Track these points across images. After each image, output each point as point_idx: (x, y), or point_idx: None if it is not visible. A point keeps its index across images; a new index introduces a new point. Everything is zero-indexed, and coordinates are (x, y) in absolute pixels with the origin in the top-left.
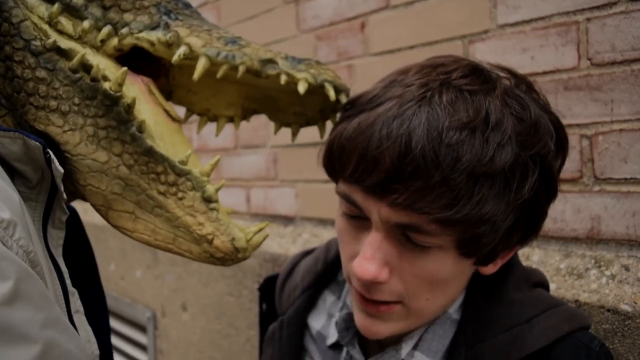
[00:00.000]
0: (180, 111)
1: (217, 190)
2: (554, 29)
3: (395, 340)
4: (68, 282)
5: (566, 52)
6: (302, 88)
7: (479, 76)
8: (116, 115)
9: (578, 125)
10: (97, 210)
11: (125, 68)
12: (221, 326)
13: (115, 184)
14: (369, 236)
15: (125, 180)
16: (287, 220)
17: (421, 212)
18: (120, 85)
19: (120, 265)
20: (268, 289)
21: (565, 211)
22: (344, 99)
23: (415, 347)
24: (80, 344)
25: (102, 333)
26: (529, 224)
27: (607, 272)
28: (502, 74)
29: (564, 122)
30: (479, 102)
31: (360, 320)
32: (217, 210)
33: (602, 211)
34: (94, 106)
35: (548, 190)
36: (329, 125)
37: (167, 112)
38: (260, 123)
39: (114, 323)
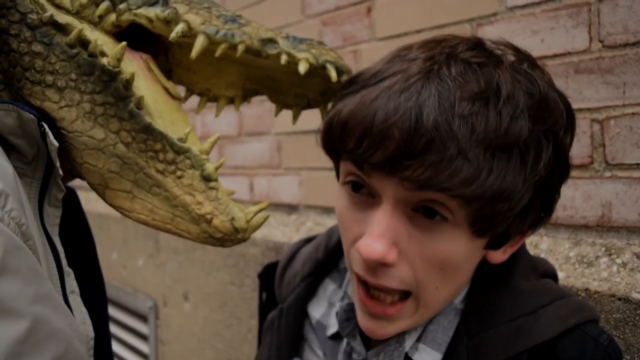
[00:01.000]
0: (180, 91)
1: (217, 168)
2: (565, 11)
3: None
4: (64, 261)
5: (577, 34)
6: (302, 68)
7: (484, 50)
8: (114, 91)
9: (589, 109)
10: (94, 189)
11: (124, 43)
12: (223, 316)
13: (112, 162)
14: (377, 212)
15: (123, 158)
16: (290, 208)
17: (440, 189)
18: (119, 60)
19: (122, 254)
20: (268, 276)
21: (575, 198)
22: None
23: (419, 339)
24: (73, 323)
25: (99, 315)
26: (542, 204)
27: (618, 260)
28: (507, 50)
29: (575, 106)
30: (489, 74)
31: (364, 322)
32: (217, 190)
33: (613, 197)
34: (91, 82)
35: (561, 169)
36: None
37: (166, 89)
38: (264, 110)
39: (115, 312)
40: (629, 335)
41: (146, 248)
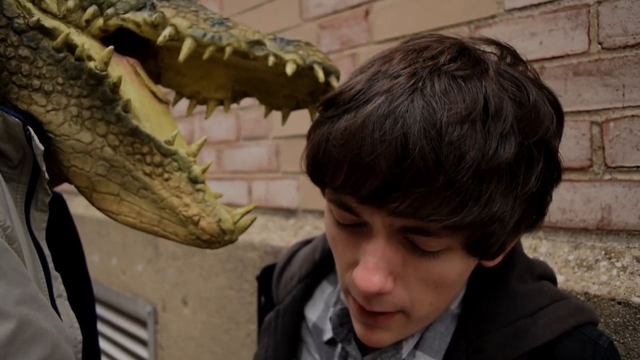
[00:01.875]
0: (170, 95)
1: (204, 170)
2: (564, 13)
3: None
4: (51, 265)
5: (576, 37)
6: (289, 69)
7: (468, 57)
8: (101, 95)
9: (588, 111)
10: (82, 193)
11: (111, 47)
12: (222, 320)
13: (99, 165)
14: (370, 244)
15: (110, 161)
16: (289, 212)
17: (427, 220)
18: (106, 64)
19: (122, 259)
20: (266, 279)
21: (575, 201)
22: (334, 82)
23: (416, 347)
24: (59, 325)
25: (87, 319)
26: (535, 213)
27: (618, 264)
28: (486, 48)
29: (574, 108)
30: (474, 88)
31: (360, 330)
32: (204, 192)
33: (613, 201)
34: (78, 86)
35: (552, 176)
36: None
37: (153, 93)
38: (262, 114)
39: (114, 318)
40: (629, 339)
41: (145, 253)
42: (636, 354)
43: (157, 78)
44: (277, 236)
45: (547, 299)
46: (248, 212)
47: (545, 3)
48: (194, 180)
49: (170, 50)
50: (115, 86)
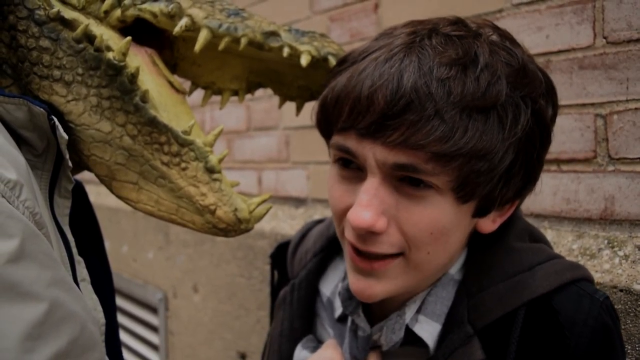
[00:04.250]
0: (185, 85)
1: (220, 160)
2: (570, 7)
3: (399, 306)
4: (74, 250)
5: (581, 31)
6: (304, 61)
7: (465, 25)
8: (119, 85)
9: (593, 104)
10: (101, 181)
11: (129, 37)
12: (232, 307)
13: (119, 154)
14: (364, 184)
15: (129, 150)
16: (298, 201)
17: (416, 147)
18: (124, 54)
19: (133, 247)
20: (280, 256)
21: (579, 191)
22: None
23: (418, 311)
24: (86, 306)
25: (107, 303)
26: (525, 170)
27: (621, 253)
28: (488, 29)
29: (579, 101)
30: (467, 44)
31: (354, 282)
32: (220, 181)
33: (616, 191)
34: (98, 76)
35: (542, 135)
36: None
37: (170, 83)
38: (272, 105)
39: (126, 304)
40: (630, 325)
41: (156, 241)
42: (637, 339)
43: (173, 68)
44: (286, 225)
45: (545, 256)
46: (264, 201)
47: None
48: (210, 170)
49: (187, 40)
50: (134, 76)
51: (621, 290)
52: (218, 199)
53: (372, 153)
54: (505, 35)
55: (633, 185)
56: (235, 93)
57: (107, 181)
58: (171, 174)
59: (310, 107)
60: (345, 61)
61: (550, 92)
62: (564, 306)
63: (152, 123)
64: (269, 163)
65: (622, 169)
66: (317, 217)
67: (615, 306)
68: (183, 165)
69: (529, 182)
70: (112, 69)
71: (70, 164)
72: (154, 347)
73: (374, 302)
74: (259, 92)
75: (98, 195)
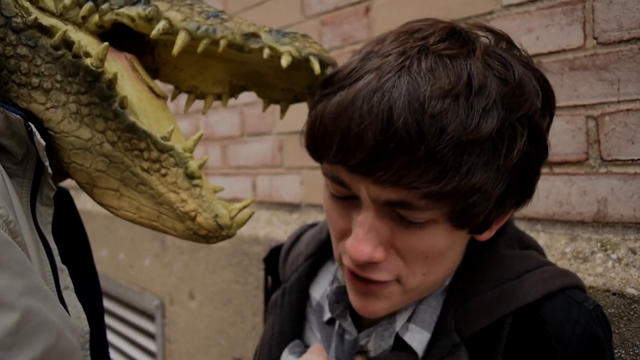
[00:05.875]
0: (167, 90)
1: (201, 166)
2: (560, 8)
3: (390, 313)
4: (57, 258)
5: (572, 32)
6: (284, 62)
7: (457, 38)
8: (98, 92)
9: (584, 105)
10: (83, 188)
11: (106, 43)
12: (228, 313)
13: (99, 161)
14: (360, 216)
15: (109, 157)
16: (292, 207)
17: (409, 188)
18: (102, 60)
19: (130, 254)
20: (273, 259)
21: (571, 194)
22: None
23: (409, 320)
24: (63, 315)
25: (95, 310)
26: (521, 188)
27: (614, 256)
28: (480, 33)
29: (570, 102)
30: (459, 66)
31: (355, 300)
32: (200, 187)
33: (609, 193)
34: (76, 83)
35: (538, 152)
36: None
37: (151, 88)
38: (266, 111)
39: (122, 311)
40: (624, 329)
41: (152, 248)
42: (630, 343)
43: (154, 73)
44: (281, 230)
45: (534, 264)
46: (246, 206)
47: None
48: (190, 176)
49: (167, 45)
50: (112, 82)
51: (614, 294)
52: (198, 205)
53: (364, 188)
54: (502, 38)
55: (626, 187)
56: (219, 97)
57: (89, 188)
58: (151, 180)
59: (299, 111)
60: (331, 83)
61: (547, 101)
62: (551, 315)
63: (132, 129)
64: (263, 168)
65: (614, 171)
66: (311, 222)
67: (608, 310)
68: (163, 171)
69: (526, 196)
70: (90, 75)
71: (50, 170)
72: (151, 354)
73: (377, 317)
74: (252, 98)
75: (94, 203)
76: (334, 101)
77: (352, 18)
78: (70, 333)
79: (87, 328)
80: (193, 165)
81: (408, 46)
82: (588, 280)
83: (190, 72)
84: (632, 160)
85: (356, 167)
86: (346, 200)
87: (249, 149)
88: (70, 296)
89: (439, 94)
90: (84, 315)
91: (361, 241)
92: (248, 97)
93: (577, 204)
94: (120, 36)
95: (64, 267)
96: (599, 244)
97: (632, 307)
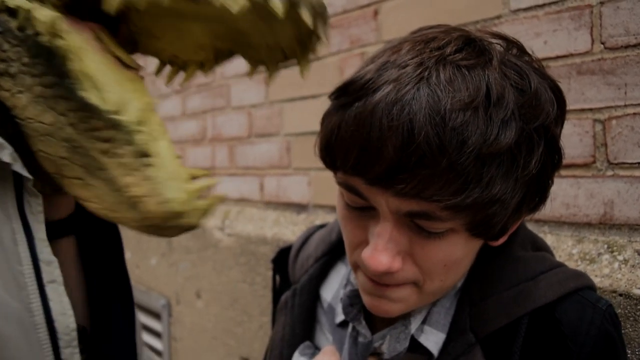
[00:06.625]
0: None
1: (160, 142)
2: (567, 13)
3: (404, 315)
4: (44, 250)
5: (579, 36)
6: (236, 7)
7: (473, 48)
8: (56, 68)
9: (591, 109)
10: (55, 180)
11: (56, 14)
12: (234, 313)
13: (62, 147)
14: (378, 227)
15: (71, 141)
16: (300, 207)
17: (431, 200)
18: (54, 34)
19: (136, 253)
20: (282, 260)
21: (578, 196)
22: (320, 26)
23: (424, 322)
24: (3, 298)
25: (127, 317)
26: (537, 195)
27: (620, 257)
28: (493, 40)
29: (577, 106)
30: (477, 77)
31: (368, 301)
32: (152, 166)
33: (615, 196)
34: (41, 63)
35: (553, 160)
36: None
37: (119, 59)
38: (274, 112)
39: None
40: (630, 330)
41: (159, 248)
42: (637, 343)
43: (134, 45)
44: (288, 231)
45: (548, 265)
46: (205, 188)
47: (549, 4)
48: (141, 154)
49: (140, 12)
50: (65, 58)
51: (621, 295)
52: (151, 188)
53: (384, 200)
54: (514, 44)
55: (632, 190)
56: (202, 66)
57: (59, 179)
58: (108, 163)
59: (307, 113)
60: (346, 93)
61: (560, 109)
62: (567, 316)
63: (86, 107)
64: (271, 169)
65: (620, 174)
66: (318, 222)
67: (615, 311)
68: (118, 151)
69: (540, 202)
70: (46, 52)
71: (16, 156)
72: (157, 353)
73: (391, 316)
74: (260, 99)
75: None
76: (351, 113)
77: (361, 21)
78: (2, 320)
79: (72, 325)
80: (142, 139)
81: (425, 57)
82: (595, 282)
83: (168, 39)
84: (639, 163)
85: (375, 180)
86: (362, 211)
87: (257, 150)
88: (57, 290)
89: (459, 107)
90: (70, 312)
91: (380, 252)
92: (256, 98)
93: (584, 206)
94: (92, 8)
95: (53, 259)
96: (605, 246)
97: (639, 307)
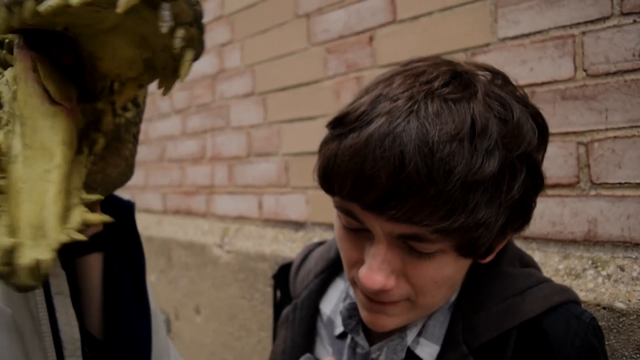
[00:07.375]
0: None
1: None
2: (552, 42)
3: (401, 328)
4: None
5: (563, 64)
6: (122, 7)
7: (460, 81)
8: None
9: (575, 133)
10: None
11: (17, 35)
12: (233, 328)
13: None
14: (373, 248)
15: None
16: (298, 225)
17: (421, 225)
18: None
19: None
20: (282, 276)
21: (564, 215)
22: (179, 33)
23: (419, 334)
24: None
25: (144, 329)
26: (521, 217)
27: (603, 272)
28: (479, 72)
29: (562, 130)
30: (463, 110)
31: (366, 316)
32: None
33: (599, 214)
34: None
35: (535, 184)
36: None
37: (47, 92)
38: (272, 132)
39: None
40: (614, 341)
41: (158, 264)
42: (620, 354)
43: (87, 71)
44: (287, 248)
45: (534, 280)
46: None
47: (535, 33)
48: None
49: (83, 35)
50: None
51: (604, 308)
52: None
53: (378, 224)
54: (498, 74)
55: (614, 209)
56: (139, 81)
57: None
58: None
59: (305, 133)
60: (342, 124)
61: (542, 136)
62: (553, 328)
63: None
64: (269, 188)
65: (603, 194)
66: (316, 239)
67: (599, 323)
68: None
69: (524, 223)
70: None
71: None
72: None
73: (387, 330)
74: (259, 120)
75: None
76: (346, 143)
77: (357, 46)
78: None
79: (77, 336)
80: None
81: (415, 90)
82: (580, 296)
83: (106, 58)
84: (620, 183)
85: (369, 206)
86: (358, 232)
87: (255, 169)
88: (64, 302)
89: (446, 139)
90: (75, 323)
91: (375, 272)
92: (255, 119)
93: (569, 224)
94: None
95: (61, 272)
96: (589, 262)
97: (621, 320)
